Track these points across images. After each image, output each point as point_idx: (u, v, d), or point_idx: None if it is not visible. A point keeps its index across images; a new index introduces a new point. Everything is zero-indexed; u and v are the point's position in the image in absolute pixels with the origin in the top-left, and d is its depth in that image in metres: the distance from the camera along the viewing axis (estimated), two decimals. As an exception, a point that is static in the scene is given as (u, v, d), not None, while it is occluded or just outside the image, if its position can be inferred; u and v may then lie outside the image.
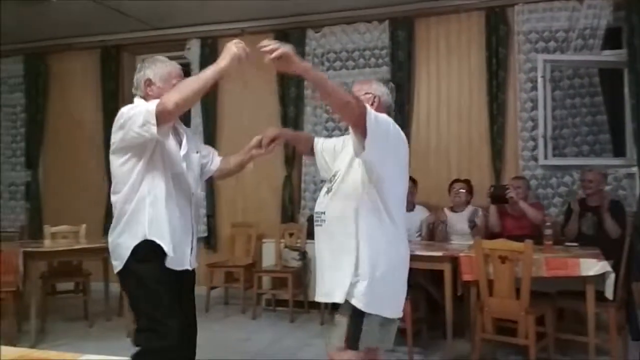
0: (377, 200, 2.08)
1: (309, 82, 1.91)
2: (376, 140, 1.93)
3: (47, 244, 4.72)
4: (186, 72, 6.26)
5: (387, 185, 2.09)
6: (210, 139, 5.85)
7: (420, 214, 4.77)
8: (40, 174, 6.59)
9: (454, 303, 3.79)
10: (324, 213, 2.20)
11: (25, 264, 4.16)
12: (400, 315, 2.20)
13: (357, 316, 2.09)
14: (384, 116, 2.05)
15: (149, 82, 2.29)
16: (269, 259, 5.42)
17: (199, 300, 5.16)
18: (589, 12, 4.73)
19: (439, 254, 3.81)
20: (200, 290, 5.22)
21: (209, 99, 5.87)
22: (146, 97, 2.28)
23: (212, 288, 5.37)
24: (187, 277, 2.38)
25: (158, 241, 2.20)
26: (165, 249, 2.21)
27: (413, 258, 3.71)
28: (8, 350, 1.31)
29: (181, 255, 2.29)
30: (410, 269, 3.80)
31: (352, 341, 2.10)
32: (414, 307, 3.83)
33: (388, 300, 2.14)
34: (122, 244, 2.24)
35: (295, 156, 5.58)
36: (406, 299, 3.60)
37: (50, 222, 5.30)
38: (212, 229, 5.91)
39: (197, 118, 5.90)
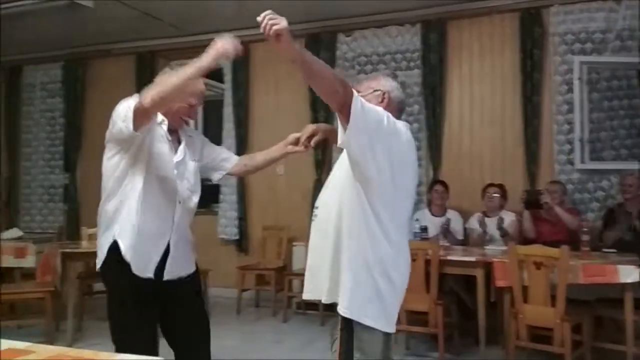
0: (364, 199, 1.90)
1: (296, 64, 1.72)
2: (359, 129, 1.77)
3: (84, 245, 4.81)
4: (218, 76, 6.33)
5: (375, 184, 1.89)
6: (242, 143, 5.91)
7: (453, 218, 4.72)
8: (77, 176, 6.76)
9: (487, 309, 3.73)
10: (317, 208, 2.12)
11: (63, 265, 4.27)
12: (393, 330, 2.00)
13: (346, 325, 2.00)
14: (377, 109, 1.89)
15: None
16: (299, 262, 5.44)
17: (231, 302, 5.26)
18: (627, 13, 4.61)
19: (472, 259, 3.77)
20: (231, 292, 5.34)
21: (241, 102, 5.94)
22: None
23: (244, 290, 5.40)
24: (182, 287, 2.30)
25: (120, 241, 2.13)
26: (123, 251, 2.13)
27: (446, 263, 3.75)
28: (45, 349, 1.35)
29: (146, 261, 2.18)
30: (443, 274, 3.82)
31: (346, 355, 2.00)
32: (445, 312, 3.79)
33: (374, 309, 1.94)
34: (103, 244, 2.20)
35: (325, 160, 5.59)
36: (438, 304, 3.63)
37: (87, 224, 5.41)
38: (243, 231, 5.96)
39: (229, 123, 5.97)
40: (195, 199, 2.35)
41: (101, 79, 6.70)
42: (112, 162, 2.18)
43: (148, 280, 2.18)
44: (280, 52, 1.67)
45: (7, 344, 1.35)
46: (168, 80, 2.07)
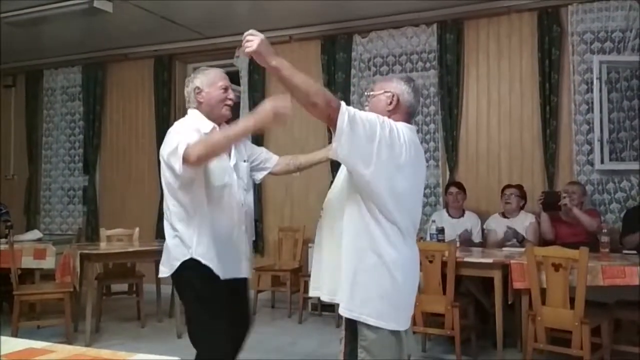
0: (361, 202, 1.96)
1: (277, 78, 1.87)
2: (348, 142, 1.84)
3: (103, 247, 4.87)
4: (235, 79, 6.37)
5: (372, 188, 1.92)
6: (258, 144, 5.88)
7: (471, 220, 4.69)
8: (97, 179, 6.84)
9: (505, 311, 3.69)
10: (323, 209, 2.20)
11: (82, 266, 4.32)
12: (401, 328, 2.01)
13: (349, 324, 2.01)
14: (370, 117, 1.90)
15: (198, 90, 2.37)
16: (315, 263, 5.44)
17: (247, 303, 5.25)
18: (647, 11, 4.54)
19: (489, 260, 3.73)
20: (248, 293, 5.34)
21: (258, 104, 5.95)
22: (199, 106, 2.38)
23: (260, 291, 5.42)
24: (241, 282, 2.44)
25: (204, 261, 2.24)
26: (214, 269, 2.25)
27: (462, 265, 3.72)
28: (64, 349, 1.36)
29: (235, 265, 2.34)
30: (460, 276, 3.79)
31: (350, 356, 2.01)
32: (462, 314, 3.76)
33: (377, 307, 1.94)
34: (172, 253, 2.31)
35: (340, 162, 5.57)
36: (455, 306, 3.60)
37: (106, 225, 5.49)
38: (259, 233, 5.97)
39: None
40: (251, 197, 2.49)
41: (120, 82, 6.78)
42: (172, 179, 2.25)
43: (230, 279, 2.30)
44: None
45: (26, 343, 1.37)
46: (216, 140, 2.19)
